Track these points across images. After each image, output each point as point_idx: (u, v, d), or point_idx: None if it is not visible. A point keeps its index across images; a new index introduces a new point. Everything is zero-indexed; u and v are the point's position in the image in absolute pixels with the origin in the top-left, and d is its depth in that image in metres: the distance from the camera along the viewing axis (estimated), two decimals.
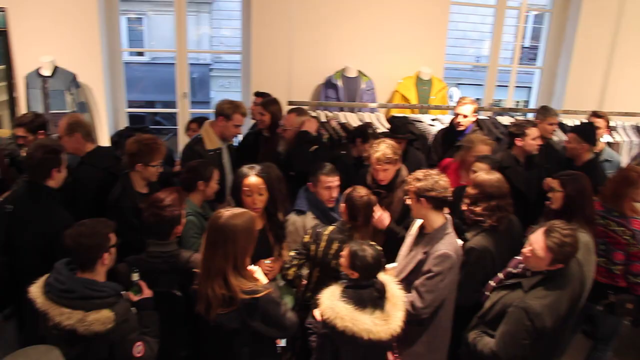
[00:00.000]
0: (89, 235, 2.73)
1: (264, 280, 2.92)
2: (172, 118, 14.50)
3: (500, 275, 3.31)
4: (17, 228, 3.45)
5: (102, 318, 2.60)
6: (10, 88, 6.53)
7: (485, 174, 3.65)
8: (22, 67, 6.18)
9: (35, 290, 2.71)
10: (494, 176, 3.62)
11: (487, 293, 3.29)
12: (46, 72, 5.99)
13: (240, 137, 5.26)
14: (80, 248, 2.71)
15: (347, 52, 6.45)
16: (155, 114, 15.72)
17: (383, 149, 3.97)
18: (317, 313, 3.12)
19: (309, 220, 3.82)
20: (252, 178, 3.45)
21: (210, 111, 6.73)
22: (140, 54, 17.76)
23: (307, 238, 3.59)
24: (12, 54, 6.23)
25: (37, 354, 2.05)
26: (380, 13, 6.50)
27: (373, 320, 2.88)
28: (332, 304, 2.93)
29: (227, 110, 4.63)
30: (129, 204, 3.51)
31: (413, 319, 3.17)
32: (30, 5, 6.04)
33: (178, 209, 3.16)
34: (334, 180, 3.88)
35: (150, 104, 15.80)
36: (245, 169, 3.52)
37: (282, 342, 3.32)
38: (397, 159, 4.01)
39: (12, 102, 6.54)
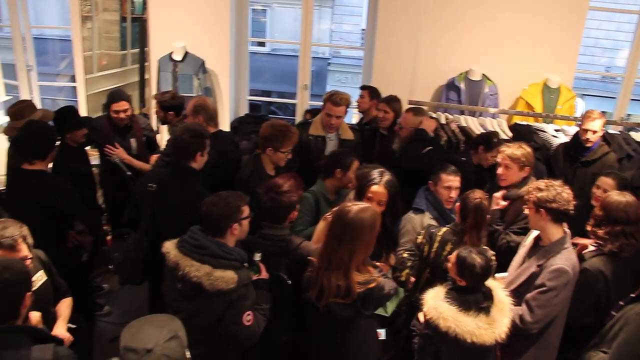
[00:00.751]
0: (221, 205, 2.90)
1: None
2: (286, 108, 14.83)
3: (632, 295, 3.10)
4: (160, 206, 3.65)
5: (226, 277, 2.74)
6: (142, 70, 6.96)
7: (616, 195, 3.40)
8: (156, 52, 6.57)
9: (170, 245, 2.92)
10: (625, 199, 3.35)
11: (613, 313, 3.09)
12: (178, 56, 6.32)
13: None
14: (212, 216, 2.89)
15: (473, 54, 6.30)
16: (271, 103, 16.13)
17: (514, 147, 3.92)
18: (420, 315, 3.12)
19: (427, 219, 3.77)
20: (378, 187, 3.47)
21: None
22: (262, 44, 18.26)
23: (420, 239, 3.57)
24: (149, 39, 6.63)
25: (160, 321, 2.17)
26: (511, 16, 6.27)
27: (477, 323, 2.84)
28: (435, 304, 2.92)
29: (323, 98, 4.71)
30: (258, 184, 3.59)
31: (521, 333, 3.08)
32: None
33: (295, 195, 3.25)
34: (455, 181, 3.81)
35: (267, 94, 16.22)
36: (375, 174, 3.52)
37: (382, 335, 3.32)
38: (524, 162, 3.90)
39: (142, 84, 6.98)
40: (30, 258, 2.79)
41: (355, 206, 2.89)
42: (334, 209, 3.10)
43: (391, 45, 6.32)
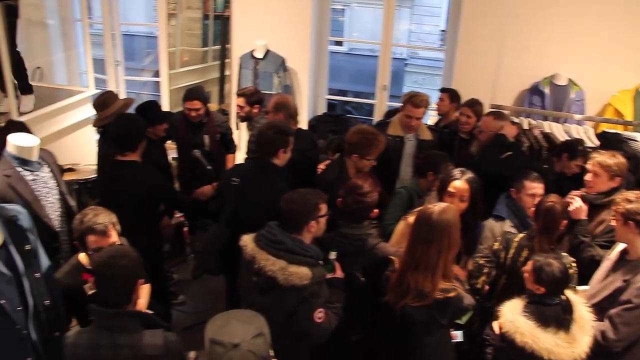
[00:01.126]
0: (300, 202, 2.94)
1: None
2: (361, 108, 14.79)
3: None
4: (242, 201, 3.73)
5: (300, 273, 2.77)
6: (223, 67, 7.13)
7: None
8: (238, 49, 6.71)
9: (247, 239, 2.98)
10: None
11: None
12: (259, 54, 6.44)
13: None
14: (291, 213, 2.93)
15: (559, 58, 6.08)
16: (346, 102, 16.11)
17: (606, 155, 3.77)
18: (495, 325, 3.04)
19: (507, 227, 3.69)
20: (460, 182, 3.45)
21: None
22: (339, 43, 18.33)
23: (496, 245, 3.50)
24: (232, 37, 6.77)
25: (246, 317, 2.21)
26: (601, 18, 5.98)
27: (555, 340, 2.76)
28: (513, 317, 2.86)
29: (402, 99, 4.68)
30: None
31: (602, 351, 2.94)
32: None
33: (376, 194, 3.25)
34: (539, 188, 3.72)
35: (343, 93, 16.24)
36: (456, 170, 3.51)
37: (458, 337, 3.28)
38: (615, 172, 3.72)
39: (222, 80, 7.14)
40: (120, 244, 2.90)
41: (436, 207, 2.88)
42: (415, 209, 3.09)
43: (473, 47, 6.18)
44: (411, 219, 3.09)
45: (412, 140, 4.68)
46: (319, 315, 2.86)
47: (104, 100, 4.74)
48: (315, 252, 2.91)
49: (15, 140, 3.39)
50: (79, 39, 7.73)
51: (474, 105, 5.01)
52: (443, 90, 5.70)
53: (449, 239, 2.81)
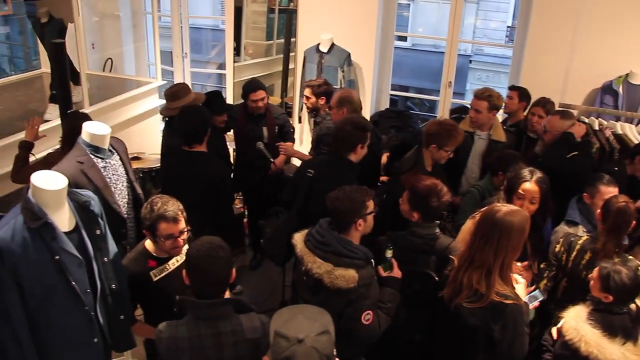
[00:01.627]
0: (345, 200, 2.91)
1: (521, 290, 2.87)
2: (422, 105, 14.63)
3: None
4: (314, 194, 3.74)
5: (347, 276, 2.76)
6: (287, 60, 7.17)
7: None
8: (303, 43, 6.73)
9: (298, 238, 3.00)
10: None
11: None
12: (324, 48, 6.42)
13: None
14: (337, 211, 2.91)
15: (635, 55, 5.79)
16: (407, 98, 15.95)
17: None
18: (554, 330, 2.96)
19: (580, 233, 3.57)
20: (530, 184, 3.36)
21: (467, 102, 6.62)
22: (403, 39, 18.16)
23: (558, 247, 3.41)
24: (297, 30, 6.80)
25: (312, 313, 2.20)
26: None
27: (623, 352, 2.65)
28: (577, 325, 2.76)
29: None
30: None
31: None
32: None
33: (448, 190, 3.23)
34: (615, 192, 3.56)
35: (404, 89, 16.10)
36: (525, 171, 3.43)
37: (538, 296, 3.13)
38: None
39: (285, 74, 7.19)
40: (189, 230, 2.97)
41: (505, 207, 2.80)
42: (482, 209, 3.03)
43: (544, 43, 5.96)
44: (478, 217, 3.03)
45: (485, 139, 4.60)
46: (367, 317, 2.83)
47: (175, 92, 4.82)
48: (362, 253, 2.88)
49: (89, 128, 3.50)
50: (149, 31, 7.94)
51: (546, 104, 4.87)
52: (512, 88, 5.50)
53: (509, 241, 2.71)
